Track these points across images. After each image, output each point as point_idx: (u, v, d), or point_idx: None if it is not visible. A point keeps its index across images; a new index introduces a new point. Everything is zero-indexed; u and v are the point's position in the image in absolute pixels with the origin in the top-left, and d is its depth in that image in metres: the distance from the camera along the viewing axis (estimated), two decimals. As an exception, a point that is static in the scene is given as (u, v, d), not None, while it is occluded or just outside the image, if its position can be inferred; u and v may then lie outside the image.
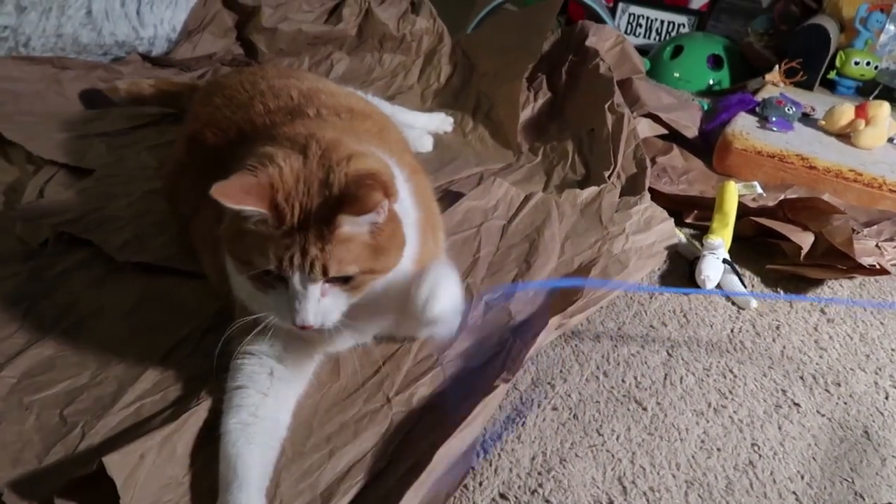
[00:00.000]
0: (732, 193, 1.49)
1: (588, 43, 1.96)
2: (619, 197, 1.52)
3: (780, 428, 1.07)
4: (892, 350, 1.25)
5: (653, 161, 1.71)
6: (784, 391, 1.14)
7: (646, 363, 1.17)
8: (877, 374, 1.19)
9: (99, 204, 1.41)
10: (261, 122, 1.16)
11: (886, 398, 1.14)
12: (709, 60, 2.39)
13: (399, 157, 1.03)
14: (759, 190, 1.59)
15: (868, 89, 2.31)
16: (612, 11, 2.67)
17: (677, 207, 1.58)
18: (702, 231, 1.48)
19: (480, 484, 0.93)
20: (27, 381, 1.01)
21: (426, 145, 1.76)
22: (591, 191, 1.51)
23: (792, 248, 1.42)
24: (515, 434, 1.00)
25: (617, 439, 1.02)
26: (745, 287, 1.34)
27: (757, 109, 1.89)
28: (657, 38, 2.68)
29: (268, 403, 0.92)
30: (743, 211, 1.50)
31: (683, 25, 2.65)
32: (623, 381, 1.13)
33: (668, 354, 1.20)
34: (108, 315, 1.15)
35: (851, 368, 1.20)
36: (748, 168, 1.73)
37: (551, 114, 1.93)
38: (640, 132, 1.72)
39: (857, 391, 1.15)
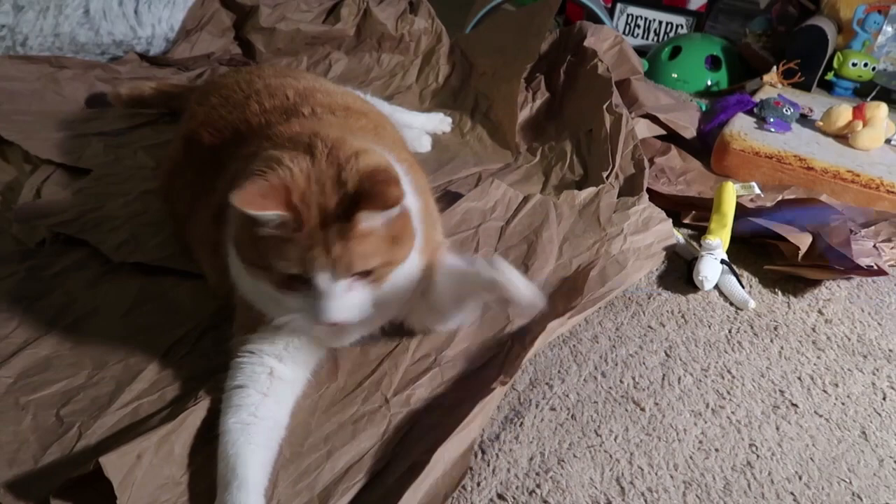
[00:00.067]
0: (730, 194, 1.49)
1: (586, 43, 1.96)
2: (618, 197, 1.52)
3: (777, 428, 1.07)
4: (890, 351, 1.25)
5: (651, 162, 1.71)
6: (782, 392, 1.14)
7: (644, 364, 1.17)
8: (874, 374, 1.19)
9: (96, 204, 1.41)
10: (256, 122, 1.16)
11: (884, 399, 1.14)
12: (707, 61, 2.39)
13: (397, 154, 1.04)
14: (757, 190, 1.59)
15: (865, 90, 2.31)
16: (611, 12, 2.67)
17: (675, 208, 1.58)
18: (700, 232, 1.48)
19: (478, 484, 0.93)
20: (23, 381, 1.01)
21: (424, 145, 1.76)
22: (590, 191, 1.51)
23: (790, 249, 1.42)
24: (513, 434, 1.00)
25: (615, 440, 1.02)
26: (743, 287, 1.34)
27: (755, 110, 1.89)
28: (655, 38, 2.68)
29: (267, 403, 0.92)
30: (741, 211, 1.50)
31: (681, 26, 2.65)
32: (621, 381, 1.13)
33: (667, 355, 1.20)
34: (105, 315, 1.15)
35: (849, 369, 1.20)
36: (746, 169, 1.73)
37: (549, 114, 1.93)
38: (639, 133, 1.72)
39: (854, 392, 1.15)
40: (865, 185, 1.65)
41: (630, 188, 1.57)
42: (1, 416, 0.95)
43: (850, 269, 1.36)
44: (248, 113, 1.19)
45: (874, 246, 1.47)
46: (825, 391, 1.15)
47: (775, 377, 1.17)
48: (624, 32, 2.67)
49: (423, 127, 1.85)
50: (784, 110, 1.86)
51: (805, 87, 2.23)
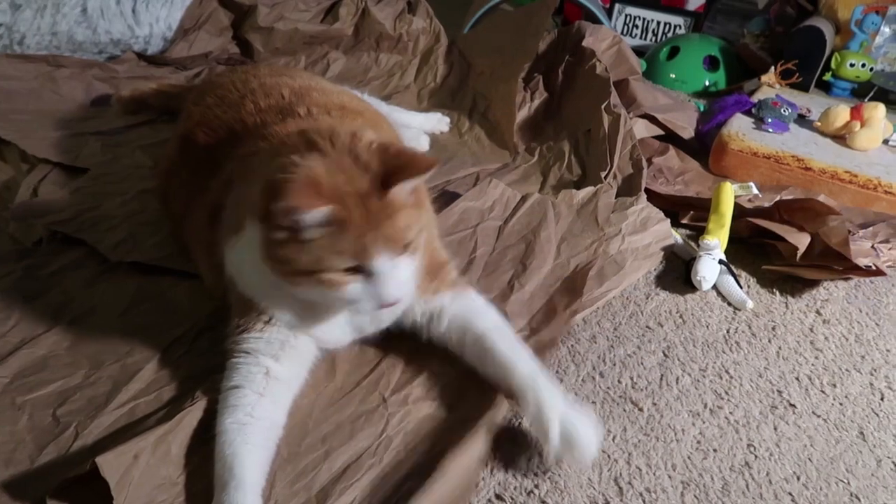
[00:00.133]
0: (728, 194, 1.49)
1: (585, 43, 1.96)
2: (616, 197, 1.52)
3: (775, 429, 1.07)
4: (888, 351, 1.25)
5: (649, 162, 1.71)
6: (780, 392, 1.14)
7: (642, 364, 1.17)
8: (872, 375, 1.19)
9: (93, 203, 1.40)
10: (251, 122, 1.16)
11: (882, 399, 1.14)
12: (705, 62, 2.39)
13: None
14: (755, 190, 1.59)
15: (863, 91, 2.31)
16: (609, 12, 2.67)
17: (673, 208, 1.58)
18: (698, 232, 1.48)
19: (476, 485, 0.93)
20: (20, 380, 1.00)
21: (422, 145, 1.76)
22: (588, 191, 1.50)
23: (788, 249, 1.42)
24: (511, 434, 1.00)
25: (613, 440, 1.02)
26: (741, 288, 1.34)
27: (753, 111, 1.89)
28: (653, 39, 2.68)
29: (264, 403, 0.92)
30: (739, 211, 1.50)
31: (680, 27, 2.65)
32: (619, 381, 1.13)
33: (665, 355, 1.20)
34: (102, 315, 1.15)
35: (847, 369, 1.20)
36: (744, 169, 1.73)
37: (548, 114, 1.93)
38: (637, 133, 1.72)
39: (852, 392, 1.15)
40: (863, 185, 1.65)
41: (628, 188, 1.57)
42: (-3, 416, 0.94)
43: (848, 269, 1.36)
44: (243, 112, 1.19)
45: (872, 247, 1.47)
46: (823, 391, 1.15)
47: (773, 377, 1.17)
48: (622, 33, 2.67)
49: (421, 127, 1.84)
50: (782, 111, 1.86)
51: (803, 87, 2.23)
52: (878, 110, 1.80)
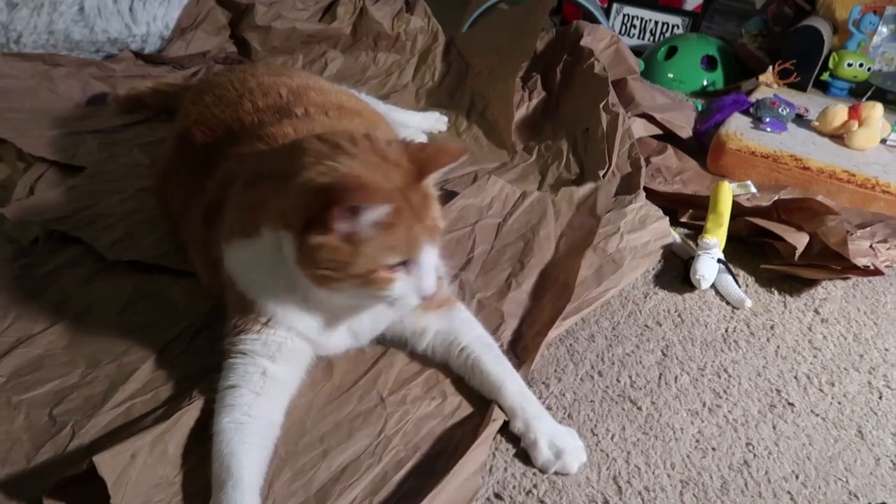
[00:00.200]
0: (727, 194, 1.49)
1: (583, 43, 1.96)
2: (614, 196, 1.51)
3: (774, 427, 1.06)
4: (886, 350, 1.25)
5: (647, 161, 1.71)
6: (778, 391, 1.14)
7: (640, 363, 1.17)
8: (870, 374, 1.19)
9: (90, 201, 1.40)
10: (249, 121, 1.16)
11: (880, 398, 1.14)
12: (703, 61, 2.39)
13: None
14: (753, 189, 1.59)
15: (861, 91, 2.31)
16: (607, 12, 2.66)
17: (672, 206, 1.58)
18: (696, 231, 1.48)
19: (478, 489, 0.92)
20: (16, 380, 1.00)
21: (421, 144, 1.75)
22: (588, 187, 1.51)
23: (786, 249, 1.42)
24: (510, 434, 0.99)
25: (612, 439, 1.02)
26: (739, 287, 1.34)
27: (751, 110, 1.89)
28: (651, 38, 2.68)
29: (261, 402, 0.91)
30: (738, 211, 1.50)
31: (677, 26, 2.65)
32: (618, 380, 1.13)
33: (663, 354, 1.20)
34: (99, 313, 1.14)
35: (845, 368, 1.20)
36: (742, 168, 1.73)
37: (546, 113, 1.93)
38: (635, 132, 1.71)
39: (850, 391, 1.15)
40: (861, 184, 1.65)
41: (627, 187, 1.56)
42: (-7, 416, 0.94)
43: (846, 269, 1.36)
44: (240, 112, 1.18)
45: (870, 246, 1.47)
46: (821, 390, 1.15)
47: (772, 376, 1.17)
48: (620, 32, 2.67)
49: (419, 126, 1.84)
50: (780, 110, 1.86)
51: (801, 87, 2.23)
52: (875, 110, 1.80)
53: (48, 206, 1.37)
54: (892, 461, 1.02)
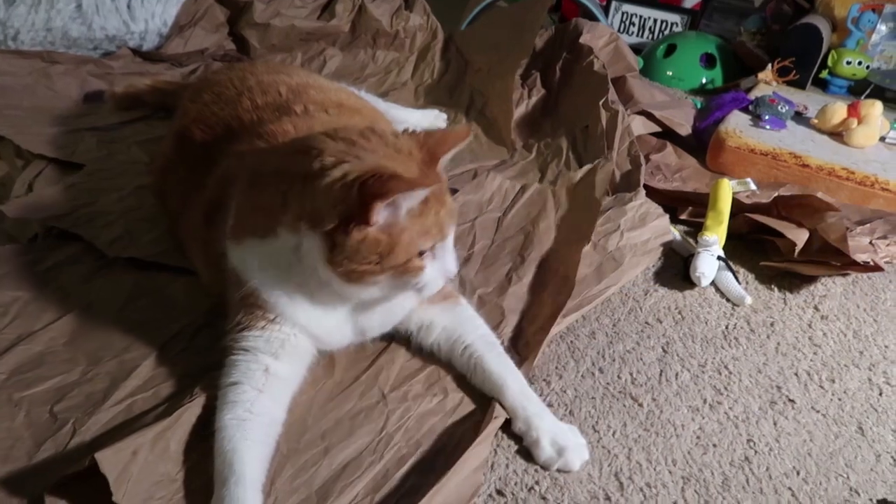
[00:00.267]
0: (726, 191, 1.49)
1: (582, 40, 1.96)
2: (614, 193, 1.51)
3: (775, 424, 1.07)
4: (886, 347, 1.25)
5: (647, 158, 1.71)
6: (779, 387, 1.14)
7: (641, 360, 1.17)
8: (870, 370, 1.20)
9: (89, 199, 1.39)
10: (248, 119, 1.15)
11: (880, 394, 1.14)
12: (702, 59, 2.39)
13: None
14: (753, 186, 1.59)
15: (860, 88, 2.31)
16: (606, 10, 2.66)
17: (672, 204, 1.58)
18: (696, 228, 1.48)
19: (480, 486, 0.92)
20: (17, 377, 1.00)
21: (420, 142, 1.75)
22: (585, 168, 1.53)
23: (786, 245, 1.42)
24: (511, 431, 0.99)
25: (613, 435, 1.02)
26: (739, 284, 1.34)
27: (750, 108, 1.89)
28: (650, 36, 2.68)
29: (263, 399, 0.91)
30: (737, 208, 1.50)
31: (676, 24, 2.65)
32: (619, 377, 1.13)
33: (664, 351, 1.20)
34: (99, 311, 1.14)
35: (845, 365, 1.20)
36: (741, 166, 1.73)
37: (545, 111, 1.92)
38: (634, 130, 1.72)
39: (851, 387, 1.15)
40: (860, 182, 1.65)
41: (626, 184, 1.56)
42: (-6, 413, 0.94)
43: (846, 265, 1.37)
44: (240, 110, 1.18)
45: (870, 243, 1.48)
46: (822, 387, 1.15)
47: (772, 373, 1.17)
48: (619, 30, 2.67)
49: (418, 123, 1.83)
50: (779, 108, 1.86)
51: (800, 84, 2.23)
52: (874, 107, 1.80)
53: (47, 203, 1.37)
54: (892, 457, 1.03)
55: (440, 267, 0.90)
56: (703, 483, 0.96)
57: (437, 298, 1.04)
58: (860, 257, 1.38)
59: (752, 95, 1.97)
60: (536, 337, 1.12)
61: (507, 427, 0.99)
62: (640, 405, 1.08)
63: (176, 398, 0.97)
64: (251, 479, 0.83)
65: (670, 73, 2.38)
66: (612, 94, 1.76)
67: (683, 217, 1.57)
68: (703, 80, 2.37)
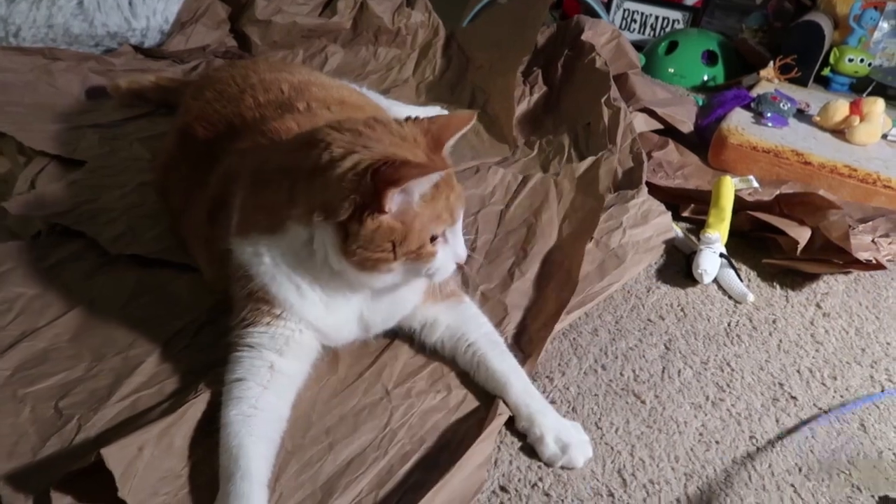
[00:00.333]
0: (728, 188, 1.49)
1: (584, 38, 1.96)
2: (617, 191, 1.52)
3: (777, 421, 1.07)
4: (888, 344, 1.26)
5: (649, 156, 1.71)
6: (781, 384, 1.14)
7: (644, 357, 1.17)
8: (872, 367, 1.20)
9: (91, 196, 1.39)
10: (250, 116, 1.15)
11: (882, 392, 1.14)
12: (703, 56, 2.39)
13: None
14: (755, 184, 1.59)
15: (862, 86, 2.31)
16: (607, 7, 2.66)
17: (674, 201, 1.58)
18: (698, 226, 1.48)
19: (483, 482, 0.92)
20: (21, 373, 1.00)
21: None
22: (589, 161, 1.53)
23: (788, 243, 1.42)
24: (515, 427, 1.00)
25: (616, 432, 1.02)
26: (741, 281, 1.35)
27: (752, 105, 1.89)
28: (652, 33, 2.68)
29: (268, 396, 0.92)
30: (739, 205, 1.50)
31: (678, 21, 2.65)
32: (621, 374, 1.13)
33: (666, 348, 1.20)
34: (103, 307, 1.14)
35: (847, 362, 1.20)
36: (743, 163, 1.73)
37: (547, 108, 1.92)
38: (636, 127, 1.72)
39: (853, 385, 1.16)
40: (862, 179, 1.65)
41: (628, 182, 1.56)
42: (-1, 409, 0.94)
43: (848, 263, 1.37)
44: (242, 107, 1.18)
45: (872, 241, 1.48)
46: (824, 384, 1.15)
47: (774, 370, 1.17)
48: (620, 27, 2.67)
49: (421, 120, 1.83)
50: (781, 105, 1.86)
51: (802, 82, 2.23)
52: (877, 105, 1.80)
53: (50, 200, 1.37)
54: (894, 454, 1.03)
55: (451, 252, 0.91)
56: (705, 480, 0.96)
57: (440, 296, 1.04)
58: (862, 255, 1.38)
59: (754, 93, 1.97)
60: (540, 334, 1.13)
61: (510, 424, 1.00)
62: (643, 402, 1.08)
63: (180, 394, 0.98)
64: (257, 475, 0.83)
65: (672, 71, 2.38)
66: (613, 92, 1.76)
67: (685, 214, 1.57)
68: (705, 78, 2.37)
